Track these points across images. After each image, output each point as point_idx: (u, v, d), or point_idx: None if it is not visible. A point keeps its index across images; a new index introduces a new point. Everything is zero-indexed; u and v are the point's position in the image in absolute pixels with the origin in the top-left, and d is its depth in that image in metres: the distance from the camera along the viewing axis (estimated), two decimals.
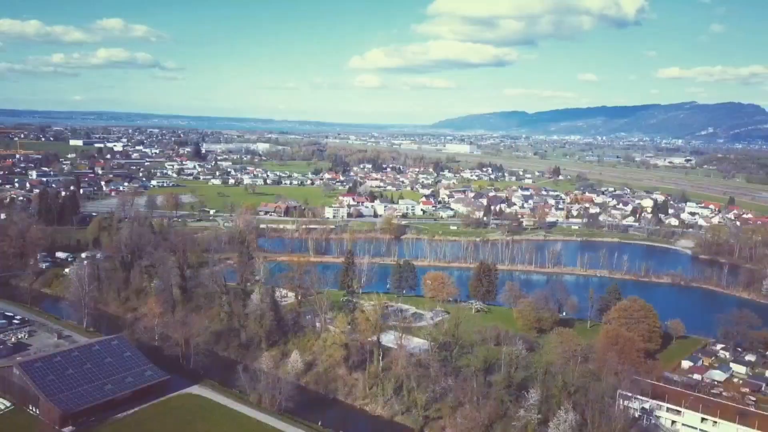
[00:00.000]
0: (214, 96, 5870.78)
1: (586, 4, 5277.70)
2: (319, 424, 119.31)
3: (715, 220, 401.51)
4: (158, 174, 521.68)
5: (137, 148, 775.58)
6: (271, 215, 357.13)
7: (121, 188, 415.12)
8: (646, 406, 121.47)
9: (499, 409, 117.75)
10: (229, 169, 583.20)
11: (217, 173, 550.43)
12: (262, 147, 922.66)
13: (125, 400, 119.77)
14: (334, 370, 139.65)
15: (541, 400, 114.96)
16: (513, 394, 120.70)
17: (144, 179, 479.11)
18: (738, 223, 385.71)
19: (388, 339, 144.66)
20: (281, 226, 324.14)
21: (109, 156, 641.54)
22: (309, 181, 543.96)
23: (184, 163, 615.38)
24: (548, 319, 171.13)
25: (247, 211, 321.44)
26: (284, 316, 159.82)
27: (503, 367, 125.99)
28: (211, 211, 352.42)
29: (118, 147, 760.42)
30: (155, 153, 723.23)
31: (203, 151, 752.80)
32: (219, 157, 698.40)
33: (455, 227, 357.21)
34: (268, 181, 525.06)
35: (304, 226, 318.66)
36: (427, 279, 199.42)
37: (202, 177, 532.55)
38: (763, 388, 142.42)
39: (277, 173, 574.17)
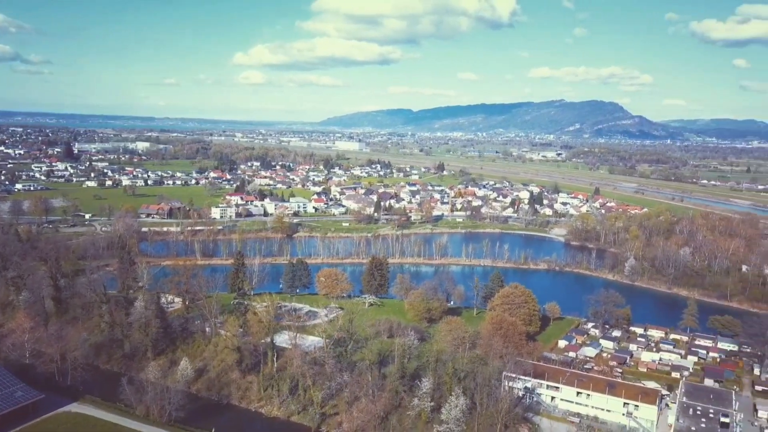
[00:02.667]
0: (86, 92, 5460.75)
1: (464, 6, 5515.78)
2: (213, 430, 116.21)
3: (584, 209, 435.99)
4: (24, 177, 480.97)
5: None
6: (153, 218, 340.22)
7: None
8: (529, 385, 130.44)
9: (394, 400, 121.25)
10: (105, 170, 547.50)
11: (93, 174, 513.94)
12: (141, 146, 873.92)
13: None
14: (226, 375, 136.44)
15: (433, 387, 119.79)
16: (407, 384, 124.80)
17: (7, 182, 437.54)
18: (603, 211, 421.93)
19: (283, 339, 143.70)
20: (165, 229, 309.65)
21: None
22: (193, 181, 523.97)
23: (53, 164, 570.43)
24: (437, 308, 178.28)
25: (127, 213, 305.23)
26: (171, 323, 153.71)
27: (396, 359, 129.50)
28: (87, 216, 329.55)
29: None
30: (20, 154, 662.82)
31: (75, 151, 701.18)
32: (94, 158, 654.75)
33: (347, 224, 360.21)
34: (149, 182, 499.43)
35: (189, 228, 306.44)
36: (321, 276, 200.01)
37: (75, 179, 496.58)
38: (627, 360, 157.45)
39: (159, 173, 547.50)
